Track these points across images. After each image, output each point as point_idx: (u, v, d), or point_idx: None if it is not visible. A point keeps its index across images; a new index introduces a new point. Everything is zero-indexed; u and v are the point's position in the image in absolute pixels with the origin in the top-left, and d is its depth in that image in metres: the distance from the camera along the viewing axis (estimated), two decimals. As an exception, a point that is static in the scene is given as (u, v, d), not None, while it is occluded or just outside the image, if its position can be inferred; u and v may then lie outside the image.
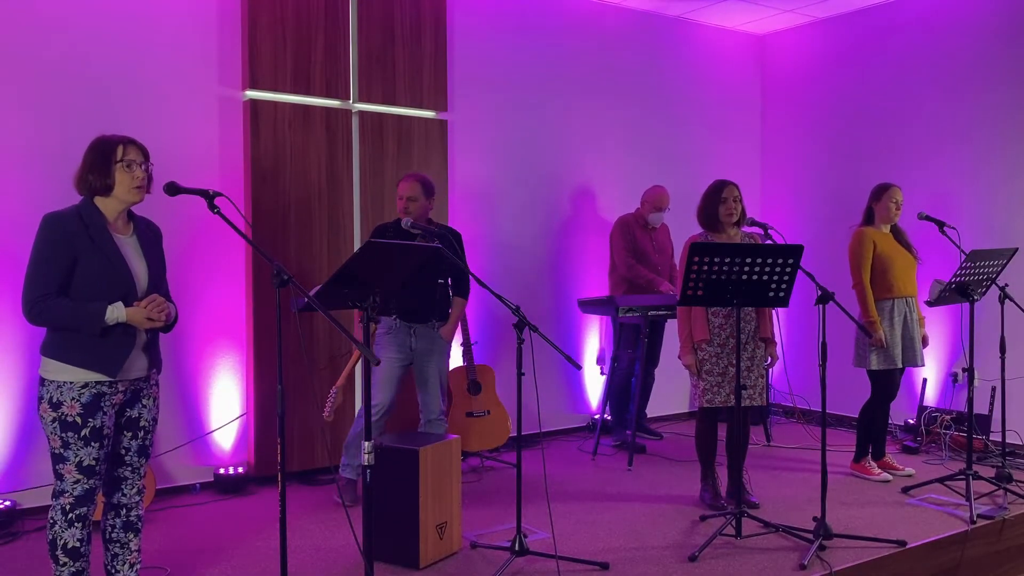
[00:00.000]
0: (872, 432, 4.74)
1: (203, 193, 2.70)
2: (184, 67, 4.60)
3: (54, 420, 2.70)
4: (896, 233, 4.75)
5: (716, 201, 4.18)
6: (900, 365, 4.60)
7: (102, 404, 2.73)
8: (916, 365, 4.69)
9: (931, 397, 5.73)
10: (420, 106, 5.26)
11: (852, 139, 6.32)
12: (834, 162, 6.45)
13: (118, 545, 2.93)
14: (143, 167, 2.78)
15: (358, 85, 5.05)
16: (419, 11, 5.23)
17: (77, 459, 2.70)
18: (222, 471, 4.62)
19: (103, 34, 4.39)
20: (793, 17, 6.42)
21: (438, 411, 4.36)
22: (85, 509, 2.74)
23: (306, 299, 2.72)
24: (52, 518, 2.75)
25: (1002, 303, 4.41)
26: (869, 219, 4.73)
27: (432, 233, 3.98)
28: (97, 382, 2.72)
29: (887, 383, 4.65)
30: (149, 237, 2.91)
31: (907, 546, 3.69)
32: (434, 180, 5.28)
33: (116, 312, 2.69)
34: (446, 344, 4.39)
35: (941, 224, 4.56)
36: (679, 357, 4.22)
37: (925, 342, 4.74)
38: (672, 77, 6.48)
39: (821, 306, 3.64)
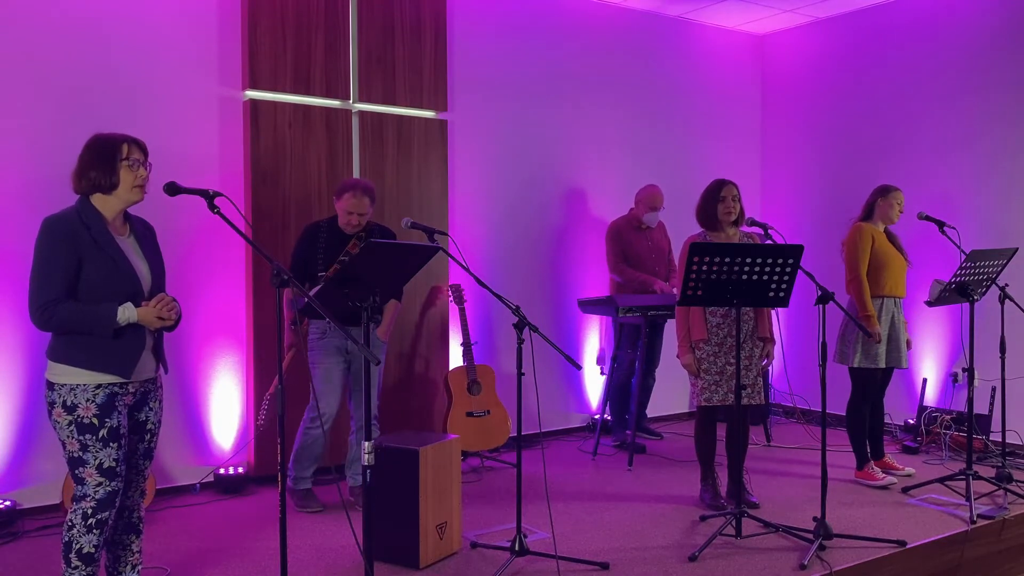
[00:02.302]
0: (862, 432, 4.71)
1: (203, 193, 2.70)
2: (184, 67, 4.60)
3: (70, 424, 2.66)
4: (889, 235, 4.74)
5: (715, 200, 4.18)
6: (882, 365, 4.58)
7: (116, 404, 2.71)
8: (900, 367, 4.66)
9: (931, 397, 5.73)
10: (420, 106, 5.27)
11: (852, 139, 6.32)
12: (834, 162, 6.45)
13: (120, 547, 2.92)
14: (145, 166, 2.78)
15: (358, 85, 5.05)
16: (419, 11, 5.23)
17: (97, 461, 2.66)
18: (222, 471, 4.63)
19: (103, 35, 4.38)
20: (793, 17, 6.42)
21: (375, 411, 4.28)
22: (106, 514, 2.70)
23: (306, 299, 2.73)
24: (71, 520, 2.70)
25: (1002, 303, 4.41)
26: (868, 215, 4.72)
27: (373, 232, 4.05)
28: (110, 383, 2.70)
29: (868, 381, 4.63)
30: (146, 236, 2.90)
31: (907, 546, 3.69)
32: (433, 180, 5.30)
33: (127, 313, 2.66)
34: (383, 344, 4.33)
35: (941, 224, 4.56)
36: (678, 357, 4.23)
37: (908, 345, 4.73)
38: (672, 77, 6.48)
39: (821, 306, 3.64)
